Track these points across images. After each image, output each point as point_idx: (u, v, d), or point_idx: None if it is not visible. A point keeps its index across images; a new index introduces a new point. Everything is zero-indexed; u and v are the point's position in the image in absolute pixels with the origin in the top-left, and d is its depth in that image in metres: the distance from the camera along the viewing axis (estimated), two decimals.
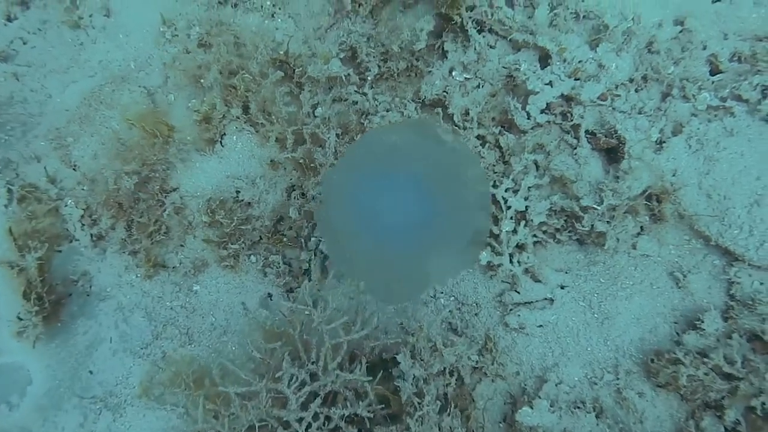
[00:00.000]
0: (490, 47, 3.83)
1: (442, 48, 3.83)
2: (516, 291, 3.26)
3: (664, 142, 3.22)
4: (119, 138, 3.45)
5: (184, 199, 3.55)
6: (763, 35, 3.34)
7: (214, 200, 3.41)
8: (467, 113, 3.69)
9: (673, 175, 3.13)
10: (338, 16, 4.18)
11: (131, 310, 3.46)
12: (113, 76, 3.90)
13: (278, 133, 3.53)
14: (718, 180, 2.98)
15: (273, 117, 3.52)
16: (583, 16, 3.66)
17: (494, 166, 3.52)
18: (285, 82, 3.81)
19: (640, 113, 3.33)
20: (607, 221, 2.98)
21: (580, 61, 3.48)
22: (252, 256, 3.64)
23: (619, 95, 3.38)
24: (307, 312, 2.73)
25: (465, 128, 3.67)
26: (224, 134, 3.71)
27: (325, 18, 4.28)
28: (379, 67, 3.89)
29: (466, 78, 3.81)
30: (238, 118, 3.64)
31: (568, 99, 3.46)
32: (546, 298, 3.23)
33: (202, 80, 3.68)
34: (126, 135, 3.47)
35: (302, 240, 3.61)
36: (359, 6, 4.01)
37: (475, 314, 3.36)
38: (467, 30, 3.65)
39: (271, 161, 3.74)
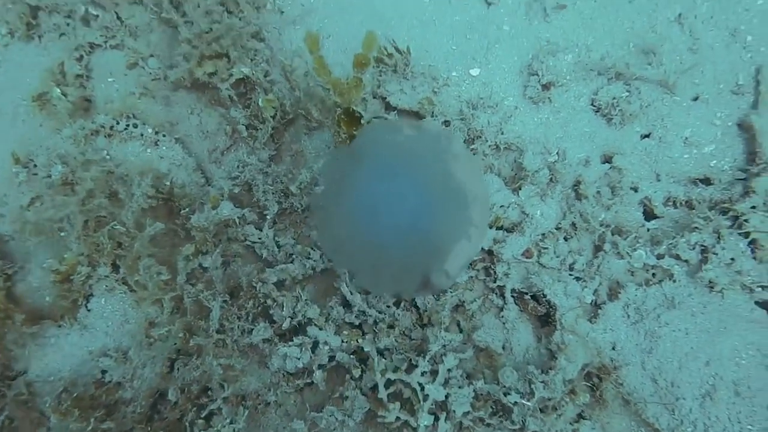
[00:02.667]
0: None
1: None
2: None
3: (600, 307, 2.81)
4: None
5: (33, 386, 2.86)
6: (697, 177, 3.03)
7: (66, 395, 2.74)
8: None
9: (613, 349, 2.70)
10: (236, 136, 3.67)
11: None
12: None
13: (153, 300, 2.92)
14: (662, 362, 2.57)
15: (147, 279, 2.91)
16: (504, 148, 3.28)
17: (410, 331, 3.01)
18: (165, 228, 3.22)
19: (570, 270, 2.92)
20: (541, 418, 2.50)
21: (501, 206, 3.08)
22: None
23: (546, 248, 2.98)
24: None
25: None
26: (91, 295, 3.06)
27: (221, 138, 3.77)
28: (280, 204, 3.37)
29: None
30: (107, 276, 3.01)
31: (490, 253, 3.03)
32: None
33: (62, 232, 3.05)
34: None
35: (187, 425, 2.96)
36: (256, 131, 3.52)
37: None
38: None
39: (149, 324, 3.10)
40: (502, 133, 3.30)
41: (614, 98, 3.15)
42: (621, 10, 3.36)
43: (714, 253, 2.65)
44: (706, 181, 2.98)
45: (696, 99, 3.07)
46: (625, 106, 3.11)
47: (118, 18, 3.65)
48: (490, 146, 3.29)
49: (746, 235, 2.66)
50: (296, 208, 3.45)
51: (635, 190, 3.07)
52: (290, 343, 2.92)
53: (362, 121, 3.06)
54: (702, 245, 2.73)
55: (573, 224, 3.04)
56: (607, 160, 3.19)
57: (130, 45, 3.62)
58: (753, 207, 2.67)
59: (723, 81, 3.02)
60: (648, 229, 3.01)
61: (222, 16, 3.33)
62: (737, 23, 3.03)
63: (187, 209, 3.35)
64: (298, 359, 2.88)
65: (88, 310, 3.08)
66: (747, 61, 3.00)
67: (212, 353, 2.76)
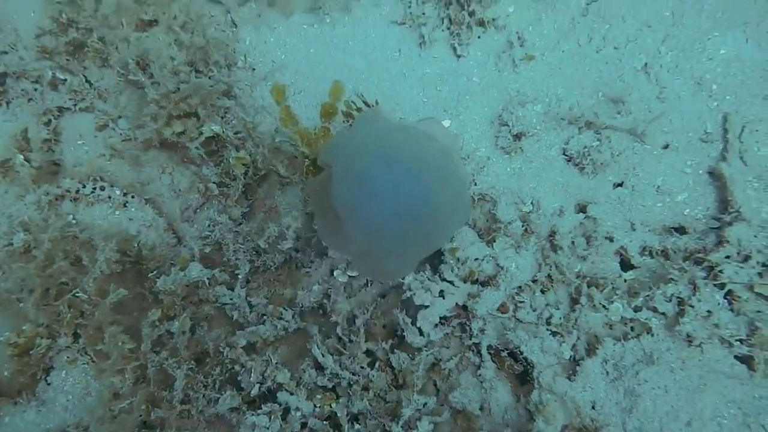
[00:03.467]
0: None
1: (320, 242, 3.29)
2: None
3: (578, 363, 2.71)
4: None
5: None
6: (671, 225, 2.98)
7: None
8: (353, 321, 3.11)
9: (593, 408, 2.60)
10: (208, 194, 3.61)
11: None
12: None
13: (116, 370, 2.80)
14: (643, 422, 2.47)
15: (110, 349, 2.80)
16: (478, 199, 3.24)
17: (385, 393, 2.90)
18: (132, 293, 3.13)
19: (547, 324, 2.84)
20: None
21: (476, 259, 3.01)
22: None
23: (522, 302, 2.90)
24: None
25: (351, 341, 3.07)
26: (51, 368, 2.94)
27: (194, 196, 3.70)
28: (252, 262, 3.30)
29: (350, 276, 3.25)
30: (69, 347, 2.90)
31: (465, 308, 2.94)
32: None
33: (21, 303, 2.95)
34: None
35: None
36: (228, 188, 3.47)
37: None
38: None
39: (113, 395, 2.98)
40: (476, 184, 3.26)
41: (585, 147, 3.13)
42: (588, 59, 3.38)
43: (690, 306, 2.58)
44: (681, 230, 2.93)
45: (666, 147, 3.05)
46: (596, 155, 3.09)
47: (87, 81, 3.64)
48: None
49: (722, 286, 2.59)
50: (269, 266, 3.38)
51: (611, 239, 3.02)
52: (259, 411, 2.79)
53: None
54: (678, 297, 2.66)
55: (549, 276, 2.97)
56: (582, 209, 3.14)
57: (100, 107, 3.60)
58: (727, 257, 2.61)
59: (691, 129, 3.00)
60: (625, 280, 2.94)
61: (190, 76, 3.31)
62: (702, 72, 3.04)
63: (155, 271, 3.27)
64: (268, 428, 2.76)
65: (48, 384, 2.96)
66: (714, 109, 3.00)
67: (176, 426, 2.63)
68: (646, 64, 3.22)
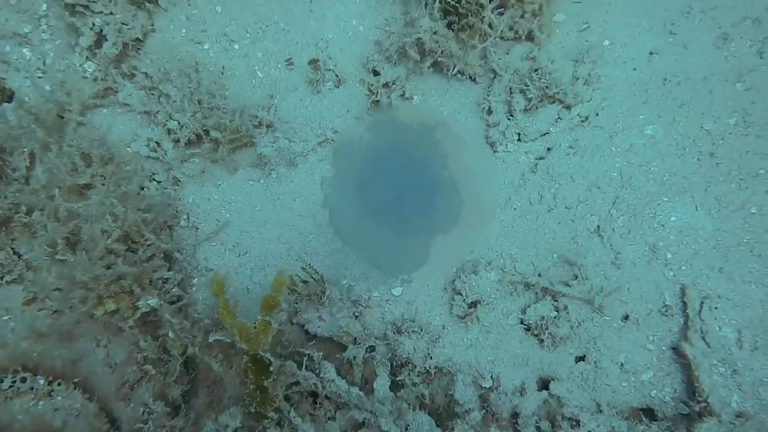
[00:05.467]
0: (330, 419, 3.07)
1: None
2: None
3: None
4: None
5: None
6: (639, 407, 2.78)
7: None
8: None
9: None
10: (148, 364, 3.31)
11: None
12: None
13: None
14: None
15: None
16: (435, 373, 3.01)
17: None
18: None
19: None
20: None
21: None
22: None
23: None
24: None
25: None
26: None
27: (131, 368, 3.41)
28: None
29: None
30: None
31: None
32: None
33: None
34: None
35: None
36: (166, 364, 3.19)
37: None
38: (291, 419, 2.87)
39: None
40: (431, 358, 3.06)
41: (543, 319, 2.97)
42: (541, 219, 3.28)
43: None
44: (650, 413, 2.73)
45: (626, 318, 2.90)
46: (554, 328, 2.93)
47: (15, 253, 3.41)
48: (419, 373, 3.03)
49: None
50: None
51: (577, 423, 2.80)
52: None
53: (271, 369, 2.77)
54: None
55: None
56: (544, 385, 2.94)
57: (30, 278, 3.35)
58: None
59: (650, 300, 2.87)
60: None
61: (117, 261, 3.11)
62: (655, 239, 2.95)
63: None
64: None
65: None
66: (670, 279, 2.88)
67: None
68: (598, 226, 3.13)
